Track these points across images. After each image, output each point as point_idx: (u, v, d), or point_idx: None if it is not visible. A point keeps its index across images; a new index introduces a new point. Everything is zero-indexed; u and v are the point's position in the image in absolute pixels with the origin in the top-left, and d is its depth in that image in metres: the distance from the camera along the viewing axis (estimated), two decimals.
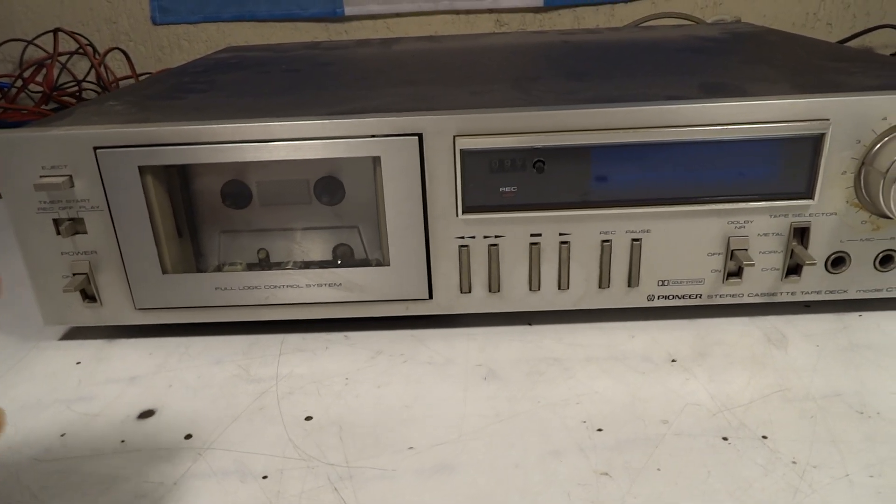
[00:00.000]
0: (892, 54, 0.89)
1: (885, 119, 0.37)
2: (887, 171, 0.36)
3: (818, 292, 0.41)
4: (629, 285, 0.41)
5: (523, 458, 0.31)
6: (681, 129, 0.37)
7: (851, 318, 0.41)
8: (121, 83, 0.96)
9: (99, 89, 0.94)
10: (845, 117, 0.37)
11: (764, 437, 0.32)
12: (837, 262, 0.40)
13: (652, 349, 0.39)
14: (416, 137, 0.37)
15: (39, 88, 0.91)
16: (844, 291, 0.41)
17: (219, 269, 0.42)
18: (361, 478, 0.31)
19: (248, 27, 0.99)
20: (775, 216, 0.39)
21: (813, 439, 0.31)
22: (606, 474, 0.30)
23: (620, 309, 0.42)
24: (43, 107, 0.89)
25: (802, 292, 0.41)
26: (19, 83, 0.91)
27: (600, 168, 0.38)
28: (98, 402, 0.37)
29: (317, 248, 0.43)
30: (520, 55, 0.57)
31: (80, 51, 0.93)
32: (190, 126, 0.38)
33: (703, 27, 0.75)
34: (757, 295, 0.41)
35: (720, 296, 0.41)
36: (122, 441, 0.34)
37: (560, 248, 0.40)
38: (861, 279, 0.41)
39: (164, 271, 0.40)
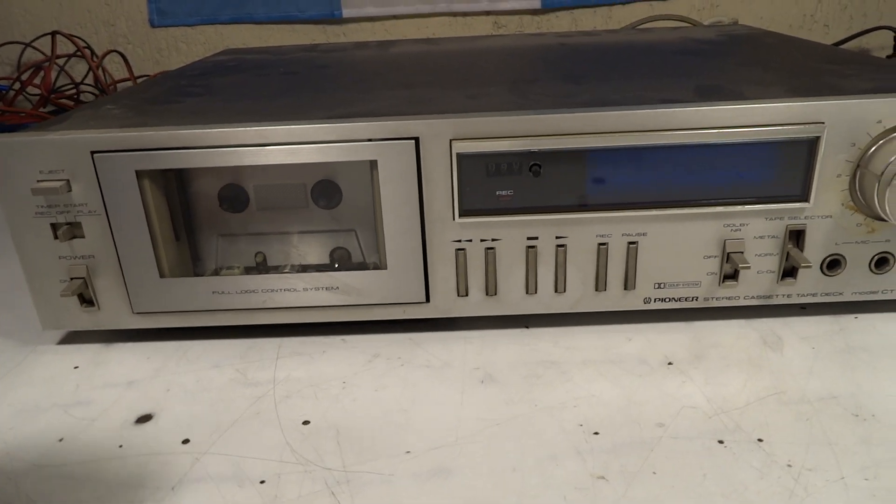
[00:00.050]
0: (888, 56, 0.89)
1: (879, 122, 0.37)
2: (882, 173, 0.36)
3: (814, 294, 0.41)
4: (626, 288, 0.41)
5: (520, 461, 0.31)
6: (677, 133, 0.37)
7: (847, 321, 0.41)
8: (118, 86, 0.96)
9: (97, 92, 0.94)
10: (840, 120, 0.37)
11: (760, 440, 0.32)
12: (833, 264, 0.40)
13: (648, 352, 0.39)
14: (413, 141, 0.38)
15: (37, 91, 0.91)
16: (840, 294, 0.41)
17: (216, 272, 0.42)
18: (359, 482, 0.31)
19: (245, 29, 0.99)
20: (771, 219, 0.39)
21: (808, 442, 0.32)
22: (603, 478, 0.30)
23: (617, 312, 0.42)
24: (41, 109, 0.89)
25: (798, 294, 0.41)
26: (17, 86, 0.91)
27: (596, 171, 0.38)
28: (96, 406, 0.37)
29: (314, 251, 0.43)
30: (517, 58, 0.57)
31: (78, 53, 0.93)
32: (187, 130, 0.38)
33: (700, 29, 0.75)
34: (753, 297, 0.41)
35: (716, 298, 0.41)
36: (120, 446, 0.34)
37: (557, 252, 0.40)
38: (857, 281, 0.41)
39: (162, 275, 0.40)
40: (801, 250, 0.40)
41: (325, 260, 0.43)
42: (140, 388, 0.38)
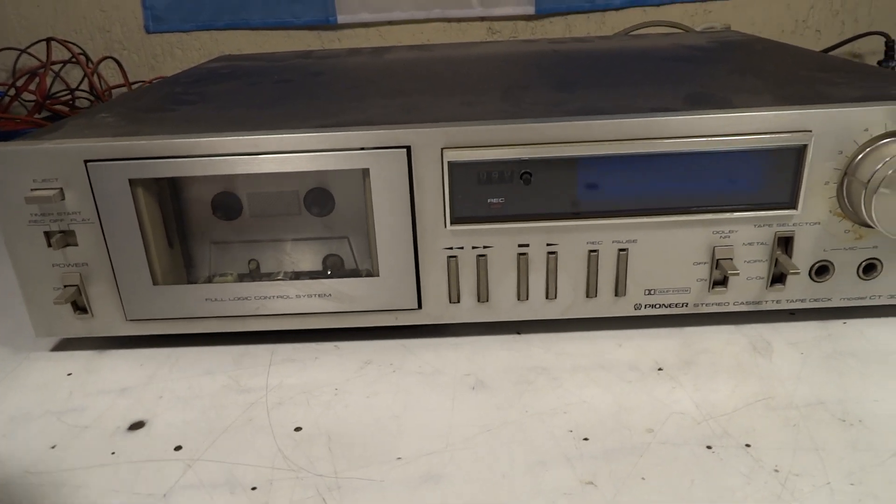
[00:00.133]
0: (879, 61, 0.90)
1: (866, 130, 0.37)
2: (869, 181, 0.37)
3: (803, 300, 0.41)
4: (616, 294, 0.41)
5: (510, 467, 0.32)
6: (666, 141, 0.37)
7: (836, 326, 0.42)
8: (114, 92, 0.97)
9: (92, 98, 0.94)
10: (828, 128, 0.37)
11: (747, 446, 0.32)
12: (821, 270, 0.41)
13: (639, 358, 0.40)
14: (405, 150, 0.38)
15: (32, 97, 0.91)
16: (828, 299, 0.41)
17: (209, 280, 0.43)
18: (349, 488, 0.31)
19: (241, 35, 1.00)
20: (760, 226, 0.39)
21: (795, 447, 0.32)
22: (592, 483, 0.30)
23: (608, 318, 0.42)
24: (36, 116, 0.89)
25: (787, 300, 0.41)
26: (12, 92, 0.91)
27: (587, 179, 0.38)
28: (89, 413, 0.37)
29: (307, 258, 0.43)
30: (510, 64, 0.58)
31: (74, 60, 0.93)
32: (180, 139, 0.38)
33: (692, 35, 0.76)
34: (742, 303, 0.41)
35: (706, 304, 0.41)
36: (113, 453, 0.34)
37: (548, 259, 0.40)
38: (845, 287, 0.41)
39: (155, 282, 0.41)
40: (790, 257, 0.40)
41: (318, 267, 0.43)
42: (133, 395, 0.39)
